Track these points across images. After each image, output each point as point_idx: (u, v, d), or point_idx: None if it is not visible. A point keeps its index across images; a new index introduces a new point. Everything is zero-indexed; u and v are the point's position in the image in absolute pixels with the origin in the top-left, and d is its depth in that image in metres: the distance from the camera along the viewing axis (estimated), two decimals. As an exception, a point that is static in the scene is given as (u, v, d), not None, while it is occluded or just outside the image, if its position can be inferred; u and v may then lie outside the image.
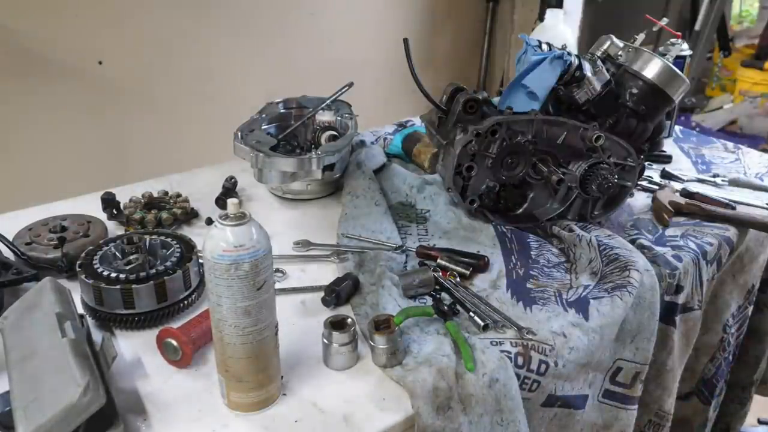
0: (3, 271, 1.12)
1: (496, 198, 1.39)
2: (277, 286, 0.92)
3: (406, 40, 1.37)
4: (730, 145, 1.87)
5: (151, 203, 1.39)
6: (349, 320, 1.00)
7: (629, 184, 1.36)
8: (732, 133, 4.25)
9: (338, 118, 1.57)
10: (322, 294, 1.13)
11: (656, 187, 1.55)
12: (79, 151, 2.30)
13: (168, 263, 1.09)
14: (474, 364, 0.98)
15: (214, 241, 0.82)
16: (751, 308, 1.52)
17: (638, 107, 1.35)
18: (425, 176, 1.53)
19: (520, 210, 1.40)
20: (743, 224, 1.41)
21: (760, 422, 2.25)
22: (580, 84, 1.35)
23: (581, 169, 1.33)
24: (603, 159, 1.33)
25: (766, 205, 1.47)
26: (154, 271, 1.07)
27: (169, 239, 1.15)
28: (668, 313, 1.26)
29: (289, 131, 1.54)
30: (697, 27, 2.18)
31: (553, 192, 1.38)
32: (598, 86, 1.34)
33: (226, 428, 0.89)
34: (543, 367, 1.04)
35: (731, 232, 1.38)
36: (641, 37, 1.42)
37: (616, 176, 1.33)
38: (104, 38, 2.25)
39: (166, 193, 1.44)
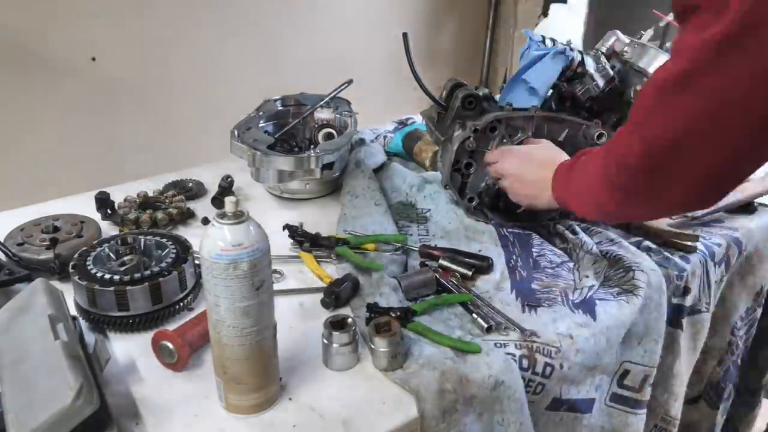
0: (-6, 272, 1.10)
1: (496, 196, 1.36)
2: (275, 287, 0.90)
3: (405, 35, 1.35)
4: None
5: (146, 203, 1.37)
6: (350, 320, 0.98)
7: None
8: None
9: (337, 115, 1.55)
10: (320, 295, 1.10)
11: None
12: (72, 150, 2.27)
13: (163, 264, 1.07)
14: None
15: (212, 240, 0.80)
16: (759, 310, 1.50)
17: (643, 105, 1.33)
18: (425, 174, 1.51)
19: (521, 209, 1.38)
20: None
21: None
22: (582, 80, 1.33)
23: (584, 168, 1.31)
24: (606, 157, 1.31)
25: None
26: (148, 272, 1.05)
27: (164, 240, 1.13)
28: (675, 315, 1.24)
29: (287, 129, 1.52)
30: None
31: (555, 191, 1.36)
32: (600, 83, 1.32)
33: (223, 433, 0.87)
34: (548, 369, 1.02)
35: (740, 232, 1.36)
36: (648, 33, 1.40)
37: (620, 175, 1.30)
38: (97, 34, 2.23)
39: (162, 192, 1.41)
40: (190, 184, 1.50)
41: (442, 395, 0.92)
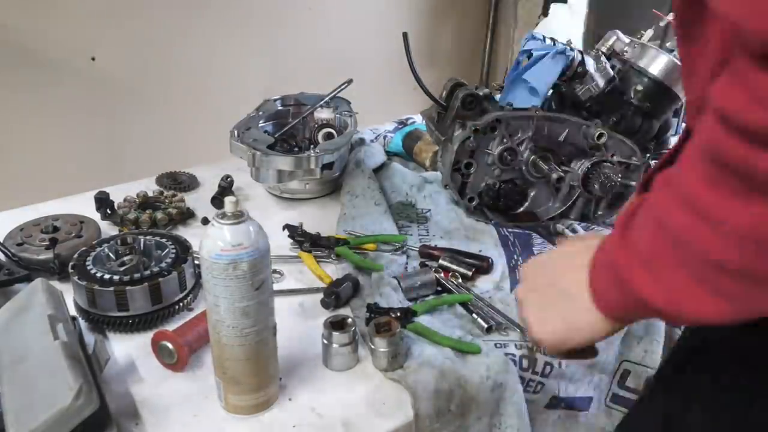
0: (-6, 272, 1.09)
1: (496, 196, 1.36)
2: (275, 287, 0.90)
3: (405, 34, 1.35)
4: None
5: (145, 203, 1.37)
6: (350, 320, 0.98)
7: (634, 183, 1.34)
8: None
9: (337, 115, 1.55)
10: (320, 295, 1.10)
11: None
12: (71, 150, 2.27)
13: (163, 264, 1.07)
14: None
15: (212, 241, 0.80)
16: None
17: (643, 105, 1.33)
18: (425, 174, 1.51)
19: (521, 209, 1.38)
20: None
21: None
22: (582, 80, 1.33)
23: (583, 168, 1.31)
24: (606, 157, 1.31)
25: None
26: (148, 272, 1.04)
27: (163, 240, 1.13)
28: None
29: (287, 129, 1.52)
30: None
31: (555, 191, 1.36)
32: (601, 82, 1.32)
33: (223, 433, 0.87)
34: (548, 368, 1.02)
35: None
36: (648, 33, 1.40)
37: (620, 175, 1.30)
38: (97, 34, 2.22)
39: (162, 192, 1.41)
40: (183, 177, 1.52)
41: (439, 395, 0.92)
